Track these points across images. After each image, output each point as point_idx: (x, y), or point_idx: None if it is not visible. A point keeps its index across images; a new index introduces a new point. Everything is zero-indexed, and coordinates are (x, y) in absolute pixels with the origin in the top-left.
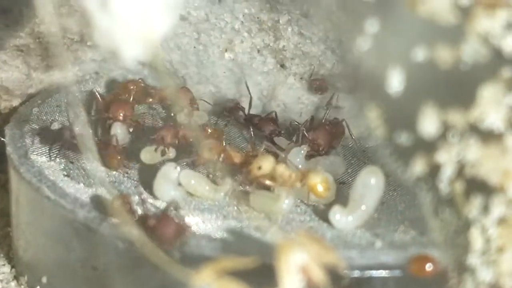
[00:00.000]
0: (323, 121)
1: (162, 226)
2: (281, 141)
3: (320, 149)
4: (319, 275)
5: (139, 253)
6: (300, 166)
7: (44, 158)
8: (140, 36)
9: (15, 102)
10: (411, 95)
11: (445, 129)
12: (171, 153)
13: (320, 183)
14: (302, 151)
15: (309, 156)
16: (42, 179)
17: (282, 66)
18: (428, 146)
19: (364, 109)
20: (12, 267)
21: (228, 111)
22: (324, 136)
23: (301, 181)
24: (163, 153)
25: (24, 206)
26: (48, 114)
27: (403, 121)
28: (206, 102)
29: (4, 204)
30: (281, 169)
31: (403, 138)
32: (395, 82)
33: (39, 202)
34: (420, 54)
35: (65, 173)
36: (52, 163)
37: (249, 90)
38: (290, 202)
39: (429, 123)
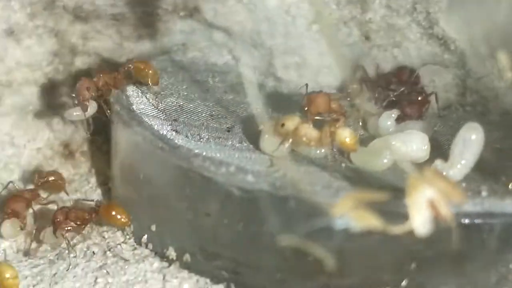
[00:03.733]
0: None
1: None
2: (369, 106)
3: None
4: (446, 210)
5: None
6: (390, 130)
7: (149, 118)
8: None
9: None
10: None
11: None
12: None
13: (348, 137)
14: (393, 115)
15: (398, 120)
16: (155, 133)
17: (367, 38)
18: None
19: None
20: None
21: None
22: (416, 111)
23: (329, 139)
24: None
25: (135, 161)
26: None
27: None
28: None
29: (101, 164)
30: (305, 129)
31: None
32: None
33: (151, 155)
34: None
35: (174, 129)
36: (159, 120)
37: None
38: (390, 158)
39: None
